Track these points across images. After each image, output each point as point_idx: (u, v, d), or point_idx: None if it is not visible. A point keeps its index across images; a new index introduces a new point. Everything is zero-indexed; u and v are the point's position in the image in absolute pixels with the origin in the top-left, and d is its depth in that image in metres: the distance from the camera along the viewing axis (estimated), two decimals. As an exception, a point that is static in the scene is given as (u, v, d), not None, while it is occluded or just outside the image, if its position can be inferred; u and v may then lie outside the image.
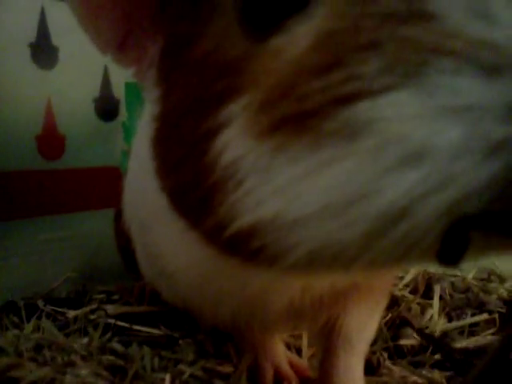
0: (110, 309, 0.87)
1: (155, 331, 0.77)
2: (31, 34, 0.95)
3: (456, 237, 0.20)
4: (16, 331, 0.70)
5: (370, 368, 0.64)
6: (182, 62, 0.35)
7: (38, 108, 0.96)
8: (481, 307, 0.84)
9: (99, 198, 1.03)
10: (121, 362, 0.55)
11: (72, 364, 0.47)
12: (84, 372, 0.46)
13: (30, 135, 0.95)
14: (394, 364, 0.67)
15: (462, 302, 0.86)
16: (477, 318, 0.80)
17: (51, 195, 0.98)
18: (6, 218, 0.92)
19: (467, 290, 0.92)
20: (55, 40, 0.98)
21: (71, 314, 0.85)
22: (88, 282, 0.99)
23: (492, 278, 0.97)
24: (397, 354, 0.71)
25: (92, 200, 1.03)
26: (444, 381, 0.60)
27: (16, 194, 0.93)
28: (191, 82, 0.34)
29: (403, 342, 0.71)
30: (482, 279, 0.98)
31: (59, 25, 0.98)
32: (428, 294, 0.90)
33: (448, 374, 0.63)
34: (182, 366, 0.62)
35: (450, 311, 0.83)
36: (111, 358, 0.58)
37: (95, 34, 0.37)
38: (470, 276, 0.97)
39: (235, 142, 0.30)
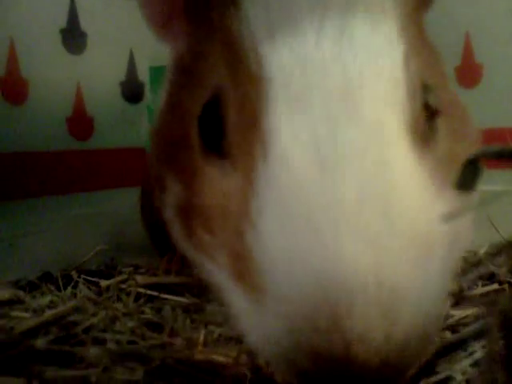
0: (140, 279, 0.91)
1: (183, 299, 0.82)
2: (62, 20, 0.99)
3: (472, 167, 0.25)
4: (55, 297, 0.75)
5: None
6: (179, 102, 0.38)
7: (69, 91, 1.01)
8: (491, 278, 0.88)
9: (126, 177, 1.08)
10: (158, 320, 0.60)
11: (116, 318, 0.52)
12: (131, 324, 0.51)
13: (61, 117, 1.00)
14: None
15: (474, 274, 0.90)
16: (487, 288, 0.83)
17: (81, 174, 1.04)
18: (39, 194, 0.97)
19: (479, 263, 0.95)
20: (84, 26, 1.03)
21: (104, 283, 0.90)
22: (116, 255, 1.04)
23: (503, 253, 1.00)
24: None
25: (119, 178, 1.09)
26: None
27: (48, 172, 0.99)
28: (174, 123, 0.38)
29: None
30: (493, 254, 1.01)
31: (87, 11, 1.02)
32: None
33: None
34: (211, 327, 0.67)
35: (463, 283, 0.87)
36: (148, 316, 0.63)
37: (147, 10, 0.41)
38: (481, 251, 1.01)
39: (167, 209, 0.37)
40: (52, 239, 0.98)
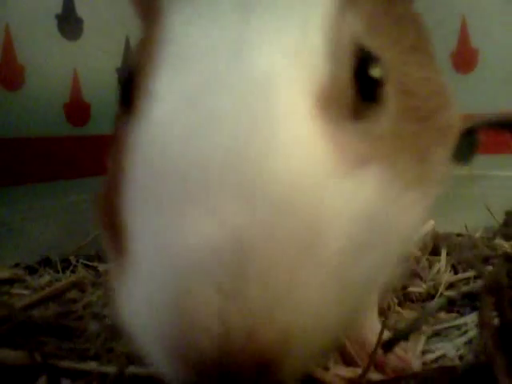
0: None
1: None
2: (57, 6, 0.99)
3: (468, 137, 0.26)
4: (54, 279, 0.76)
5: (381, 312, 0.70)
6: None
7: (65, 77, 1.01)
8: (486, 261, 0.89)
9: (123, 163, 1.08)
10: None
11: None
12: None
13: (58, 103, 1.00)
14: (402, 308, 0.72)
15: (468, 257, 0.91)
16: (482, 270, 0.84)
17: (78, 160, 1.04)
18: (37, 180, 0.98)
19: (473, 247, 0.96)
20: (79, 12, 1.03)
21: (102, 267, 0.91)
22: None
23: (497, 236, 1.02)
24: (406, 301, 0.76)
25: (117, 165, 1.09)
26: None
27: (46, 158, 0.99)
28: None
29: (411, 289, 0.76)
30: (488, 238, 1.03)
31: (83, -3, 1.02)
32: (436, 252, 0.95)
33: (454, 315, 0.68)
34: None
35: (457, 265, 0.88)
36: None
37: None
38: (476, 235, 1.02)
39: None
40: (50, 224, 0.98)
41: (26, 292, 0.47)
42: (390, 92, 0.29)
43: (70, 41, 1.02)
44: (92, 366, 0.35)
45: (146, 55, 0.29)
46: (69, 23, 1.01)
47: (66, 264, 0.92)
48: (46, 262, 0.92)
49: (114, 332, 0.39)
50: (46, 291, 0.43)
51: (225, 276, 0.21)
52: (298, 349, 0.22)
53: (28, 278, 0.60)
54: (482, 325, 0.29)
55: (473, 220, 1.04)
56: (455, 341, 0.55)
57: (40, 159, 0.98)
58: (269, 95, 0.24)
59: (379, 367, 0.49)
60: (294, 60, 0.25)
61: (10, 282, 0.54)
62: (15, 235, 0.94)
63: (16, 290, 0.48)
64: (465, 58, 1.05)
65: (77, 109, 1.03)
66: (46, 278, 0.58)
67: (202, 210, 0.22)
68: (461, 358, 0.55)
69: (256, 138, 0.23)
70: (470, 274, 0.83)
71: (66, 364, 0.36)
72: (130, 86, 0.29)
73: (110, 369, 0.34)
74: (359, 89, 0.27)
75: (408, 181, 0.28)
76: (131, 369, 0.34)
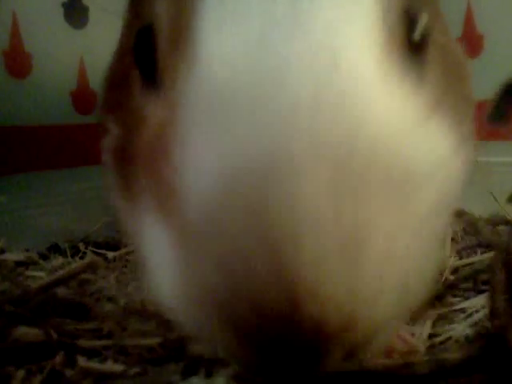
0: None
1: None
2: (63, -6, 0.99)
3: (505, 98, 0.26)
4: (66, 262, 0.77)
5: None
6: (122, 40, 0.38)
7: (72, 65, 1.02)
8: (491, 247, 0.89)
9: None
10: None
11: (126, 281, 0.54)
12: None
13: (66, 91, 1.01)
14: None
15: (473, 242, 0.92)
16: (486, 256, 0.85)
17: (86, 147, 1.05)
18: (43, 168, 0.99)
19: (478, 233, 0.97)
20: (85, 0, 1.03)
21: (110, 254, 0.92)
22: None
23: (501, 222, 1.02)
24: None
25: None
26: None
27: (53, 146, 1.00)
28: (117, 63, 0.37)
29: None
30: (493, 224, 1.03)
31: (88, -15, 1.02)
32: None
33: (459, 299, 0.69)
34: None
35: (461, 250, 0.89)
36: None
37: None
38: (481, 220, 1.02)
39: (106, 153, 0.35)
40: (59, 212, 0.99)
41: (40, 274, 0.48)
42: (429, 56, 0.29)
43: (76, 29, 1.02)
44: (107, 343, 0.36)
45: (174, 13, 0.27)
46: (75, 11, 1.01)
47: (74, 251, 0.93)
48: (55, 249, 0.94)
49: (128, 312, 0.41)
50: (60, 273, 0.44)
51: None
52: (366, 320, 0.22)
53: (41, 261, 0.61)
54: (493, 291, 0.30)
55: (476, 206, 1.05)
56: (461, 324, 0.56)
57: (47, 147, 0.99)
58: (339, 42, 0.23)
59: (386, 352, 0.50)
60: (356, 12, 0.25)
61: (24, 264, 0.56)
62: (24, 223, 0.95)
63: (31, 272, 0.49)
64: (470, 44, 1.05)
65: (84, 96, 1.04)
66: (60, 261, 0.59)
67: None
68: (467, 340, 0.56)
69: (336, 83, 0.22)
70: (475, 259, 0.84)
71: (81, 342, 0.37)
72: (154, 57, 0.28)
73: (125, 346, 0.35)
74: (407, 49, 0.27)
75: (458, 137, 0.28)
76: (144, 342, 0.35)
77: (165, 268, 0.25)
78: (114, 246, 0.98)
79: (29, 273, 0.49)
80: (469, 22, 1.04)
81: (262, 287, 0.20)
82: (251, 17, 0.24)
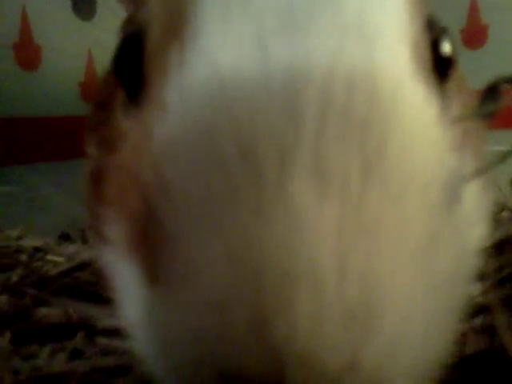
0: None
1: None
2: (71, -14, 1.01)
3: (491, 93, 0.26)
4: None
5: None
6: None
7: (81, 57, 1.03)
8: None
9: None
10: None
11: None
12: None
13: (74, 83, 1.03)
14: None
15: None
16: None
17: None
18: (54, 158, 1.00)
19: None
20: (93, -8, 1.04)
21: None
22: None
23: (504, 209, 1.03)
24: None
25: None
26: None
27: (63, 136, 1.01)
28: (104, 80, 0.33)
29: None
30: (496, 212, 1.04)
31: (96, -23, 1.03)
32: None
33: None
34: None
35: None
36: None
37: None
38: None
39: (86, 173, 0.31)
40: (68, 201, 1.01)
41: (60, 259, 0.50)
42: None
43: (84, 21, 1.03)
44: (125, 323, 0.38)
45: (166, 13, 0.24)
46: (83, 4, 1.02)
47: (84, 239, 0.94)
48: (66, 238, 0.96)
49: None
50: (80, 258, 0.46)
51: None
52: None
53: (57, 247, 0.63)
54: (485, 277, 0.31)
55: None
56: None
57: (57, 138, 1.00)
58: (367, 38, 0.21)
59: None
60: (384, 11, 0.22)
61: (42, 250, 0.58)
62: (34, 212, 0.96)
63: (50, 257, 0.51)
64: (475, 34, 1.06)
65: (92, 87, 1.05)
66: (75, 247, 0.61)
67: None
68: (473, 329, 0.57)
69: (363, 86, 0.20)
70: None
71: (100, 323, 0.39)
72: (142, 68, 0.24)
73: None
74: (434, 64, 0.24)
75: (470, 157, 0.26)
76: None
77: (134, 305, 0.22)
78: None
79: (49, 257, 0.51)
80: (473, 12, 1.05)
81: (244, 355, 0.18)
82: (261, 10, 0.21)
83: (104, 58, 1.08)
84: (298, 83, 0.19)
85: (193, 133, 0.20)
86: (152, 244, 0.20)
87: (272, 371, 0.17)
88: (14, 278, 0.44)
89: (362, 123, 0.19)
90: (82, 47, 1.03)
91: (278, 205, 0.18)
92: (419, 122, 0.21)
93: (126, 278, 0.23)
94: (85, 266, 0.46)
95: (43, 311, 0.40)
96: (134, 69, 0.25)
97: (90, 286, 0.45)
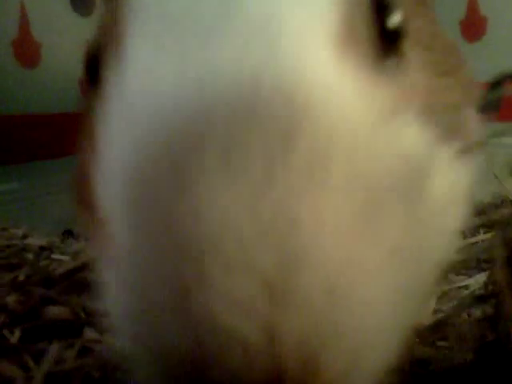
0: None
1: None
2: (70, -17, 1.01)
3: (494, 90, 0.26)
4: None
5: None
6: None
7: (80, 53, 1.03)
8: (494, 226, 0.91)
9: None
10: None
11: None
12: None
13: (74, 79, 1.03)
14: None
15: (475, 222, 0.94)
16: (488, 235, 0.87)
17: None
18: (56, 155, 1.01)
19: (482, 213, 0.99)
20: (91, -12, 1.04)
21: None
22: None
23: (504, 203, 1.03)
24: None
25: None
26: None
27: (64, 133, 1.01)
28: None
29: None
30: (496, 205, 1.04)
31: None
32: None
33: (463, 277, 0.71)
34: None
35: (465, 230, 0.91)
36: None
37: None
38: (484, 201, 1.04)
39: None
40: (71, 198, 1.02)
41: (66, 258, 0.51)
42: (409, 45, 0.26)
43: (83, 17, 1.03)
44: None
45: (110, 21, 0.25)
46: (81, 0, 1.02)
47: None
48: (70, 234, 0.96)
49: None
50: (83, 257, 0.47)
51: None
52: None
53: (62, 245, 0.64)
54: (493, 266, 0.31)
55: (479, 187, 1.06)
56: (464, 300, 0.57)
57: (58, 135, 1.01)
58: (279, 36, 0.21)
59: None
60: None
61: (48, 249, 0.58)
62: (37, 209, 0.97)
63: (56, 256, 0.52)
64: (473, 27, 1.06)
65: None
66: (81, 245, 0.62)
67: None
68: (469, 316, 0.58)
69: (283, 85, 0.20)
70: (478, 238, 0.86)
71: (107, 320, 0.40)
72: (97, 59, 0.26)
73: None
74: (379, 38, 0.24)
75: (439, 134, 0.26)
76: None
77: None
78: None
79: (55, 256, 0.52)
80: (472, 4, 1.05)
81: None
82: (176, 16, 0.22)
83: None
84: (210, 89, 0.20)
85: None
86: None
87: (194, 349, 0.18)
88: (22, 277, 0.45)
89: (269, 118, 0.20)
90: (81, 43, 1.03)
91: (196, 187, 0.19)
92: (334, 101, 0.21)
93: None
94: (90, 263, 0.47)
95: (51, 309, 0.40)
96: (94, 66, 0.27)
97: (96, 283, 0.46)
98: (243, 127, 0.19)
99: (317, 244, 0.18)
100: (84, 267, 0.47)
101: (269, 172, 0.19)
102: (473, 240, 0.87)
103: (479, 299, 0.51)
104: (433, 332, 0.46)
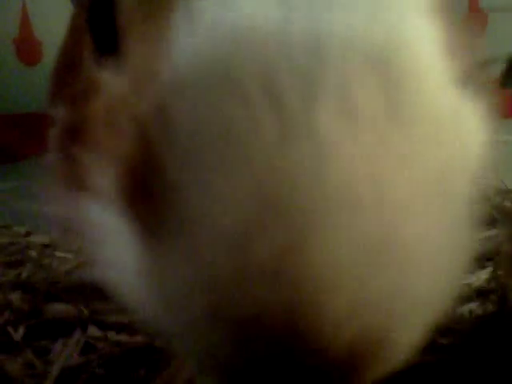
0: None
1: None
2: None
3: None
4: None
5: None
6: (72, 20, 0.34)
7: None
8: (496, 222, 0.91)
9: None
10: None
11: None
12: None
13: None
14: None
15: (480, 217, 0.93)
16: (491, 233, 0.86)
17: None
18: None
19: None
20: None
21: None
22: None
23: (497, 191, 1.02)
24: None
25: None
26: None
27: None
28: (66, 45, 0.33)
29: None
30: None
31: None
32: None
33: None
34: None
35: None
36: None
37: None
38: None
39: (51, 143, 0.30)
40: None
41: (68, 255, 0.51)
42: None
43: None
44: (135, 318, 0.39)
45: None
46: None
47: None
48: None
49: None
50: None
51: None
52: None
53: (65, 243, 0.64)
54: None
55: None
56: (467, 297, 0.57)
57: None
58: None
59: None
60: None
61: (51, 246, 0.59)
62: (40, 207, 0.97)
63: (59, 254, 0.53)
64: (475, 20, 1.06)
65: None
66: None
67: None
68: (471, 313, 0.58)
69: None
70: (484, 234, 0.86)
71: (110, 318, 0.40)
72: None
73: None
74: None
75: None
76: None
77: (128, 262, 0.21)
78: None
79: (58, 254, 0.52)
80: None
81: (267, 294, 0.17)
82: None
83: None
84: (321, 26, 0.19)
85: (206, 69, 0.19)
86: (151, 192, 0.19)
87: (289, 318, 0.17)
88: (25, 275, 0.45)
89: (381, 62, 0.19)
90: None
91: (304, 138, 0.18)
92: (427, 59, 0.21)
93: (114, 232, 0.21)
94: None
95: (55, 307, 0.41)
96: (106, 23, 0.24)
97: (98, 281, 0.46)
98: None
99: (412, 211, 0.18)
100: (86, 265, 0.47)
101: (387, 124, 0.19)
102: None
103: (481, 295, 0.51)
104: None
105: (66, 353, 0.37)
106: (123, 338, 0.40)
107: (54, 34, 1.00)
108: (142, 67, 0.22)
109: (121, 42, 0.23)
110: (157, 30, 0.21)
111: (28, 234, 0.64)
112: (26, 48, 0.94)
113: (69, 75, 0.29)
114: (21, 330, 0.40)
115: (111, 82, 0.23)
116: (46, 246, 0.58)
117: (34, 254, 0.54)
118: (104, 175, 0.22)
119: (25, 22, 0.94)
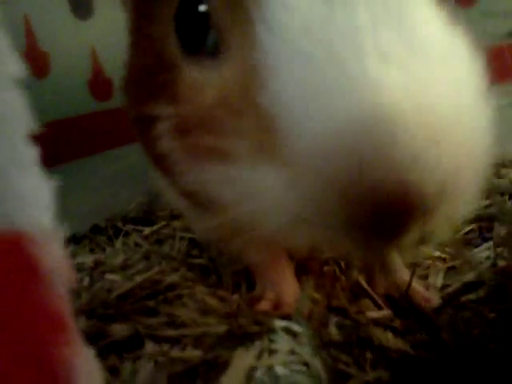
0: (178, 224, 1.00)
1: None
2: (68, -12, 1.02)
3: None
4: (109, 248, 0.86)
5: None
6: (143, 31, 0.37)
7: (85, 56, 1.06)
8: (493, 190, 0.95)
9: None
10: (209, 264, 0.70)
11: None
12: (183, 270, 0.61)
13: (82, 82, 1.06)
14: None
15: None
16: (489, 201, 0.91)
17: (108, 132, 1.11)
18: (73, 158, 1.05)
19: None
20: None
21: (147, 230, 0.99)
22: (149, 200, 1.14)
23: (505, 163, 1.06)
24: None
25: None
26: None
27: (78, 136, 1.06)
28: (145, 55, 0.37)
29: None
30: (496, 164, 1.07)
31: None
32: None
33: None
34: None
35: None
36: (198, 260, 0.73)
37: None
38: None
39: (164, 138, 0.35)
40: (92, 195, 1.07)
41: (117, 277, 0.56)
42: None
43: (83, 20, 1.06)
44: (185, 332, 0.45)
45: None
46: (79, 4, 1.04)
47: (114, 230, 1.01)
48: (97, 230, 1.02)
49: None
50: (137, 280, 0.53)
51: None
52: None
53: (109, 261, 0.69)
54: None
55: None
56: (469, 275, 0.62)
57: (73, 138, 1.05)
58: None
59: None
60: None
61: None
62: (63, 210, 1.02)
63: (109, 276, 0.57)
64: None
65: (100, 84, 1.09)
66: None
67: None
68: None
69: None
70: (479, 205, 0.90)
71: (164, 332, 0.46)
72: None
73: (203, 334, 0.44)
74: None
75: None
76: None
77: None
78: (148, 220, 1.06)
79: (108, 276, 0.57)
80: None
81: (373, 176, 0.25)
82: None
83: (108, 56, 1.11)
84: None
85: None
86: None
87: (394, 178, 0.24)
88: (83, 301, 0.51)
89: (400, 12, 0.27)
90: (85, 46, 1.06)
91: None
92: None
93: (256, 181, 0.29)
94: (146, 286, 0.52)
95: (115, 327, 0.47)
96: (194, 26, 0.30)
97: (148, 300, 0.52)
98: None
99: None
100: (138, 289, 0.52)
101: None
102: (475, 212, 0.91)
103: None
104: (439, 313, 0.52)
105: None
106: (176, 352, 0.45)
107: (59, 44, 1.02)
108: (246, 63, 0.27)
109: (219, 42, 0.29)
110: (250, 27, 0.27)
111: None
112: (35, 61, 0.97)
113: (157, 78, 0.34)
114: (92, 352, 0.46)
115: (210, 78, 0.29)
116: (92, 268, 0.63)
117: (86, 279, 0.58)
118: (232, 141, 0.29)
119: (30, 36, 0.96)
